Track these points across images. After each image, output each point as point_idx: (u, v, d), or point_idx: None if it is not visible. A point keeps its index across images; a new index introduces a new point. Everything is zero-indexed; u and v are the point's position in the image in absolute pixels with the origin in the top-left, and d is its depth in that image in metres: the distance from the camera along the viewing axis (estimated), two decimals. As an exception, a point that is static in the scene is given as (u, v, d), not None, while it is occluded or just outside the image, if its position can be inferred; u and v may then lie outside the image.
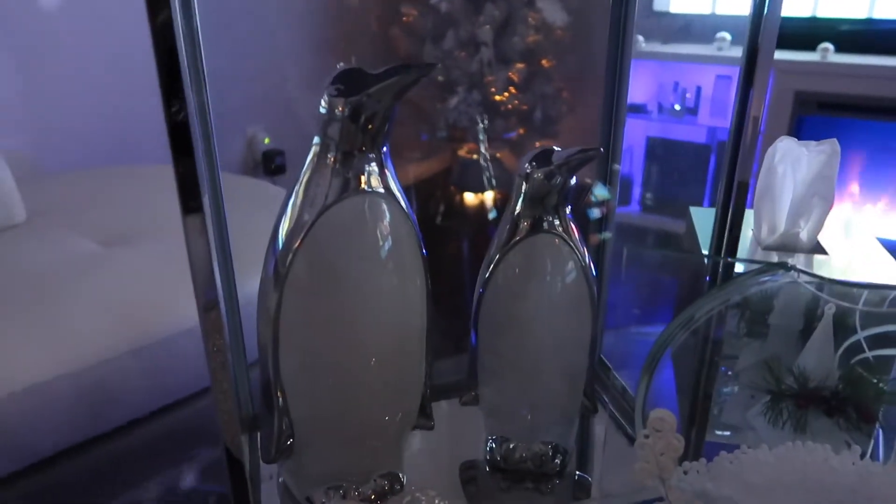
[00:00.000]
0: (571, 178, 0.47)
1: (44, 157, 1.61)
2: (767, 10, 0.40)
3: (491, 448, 0.54)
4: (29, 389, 0.82)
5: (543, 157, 0.48)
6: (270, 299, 0.44)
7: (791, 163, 0.54)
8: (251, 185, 1.46)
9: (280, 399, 0.45)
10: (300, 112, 2.16)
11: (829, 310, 0.46)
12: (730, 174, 0.44)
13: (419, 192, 2.35)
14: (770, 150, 0.55)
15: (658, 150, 2.22)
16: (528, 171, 0.48)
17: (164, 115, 0.37)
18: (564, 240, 0.48)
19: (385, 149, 0.44)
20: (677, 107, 2.22)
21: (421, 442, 0.56)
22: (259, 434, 0.51)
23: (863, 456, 0.39)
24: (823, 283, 0.43)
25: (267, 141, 2.17)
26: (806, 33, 2.02)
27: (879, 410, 0.48)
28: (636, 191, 2.30)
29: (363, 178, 0.43)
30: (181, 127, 0.37)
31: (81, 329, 0.90)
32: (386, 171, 0.44)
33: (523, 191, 0.48)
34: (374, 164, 0.43)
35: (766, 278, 0.43)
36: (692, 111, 2.21)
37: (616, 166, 0.57)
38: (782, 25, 1.91)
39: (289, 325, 0.44)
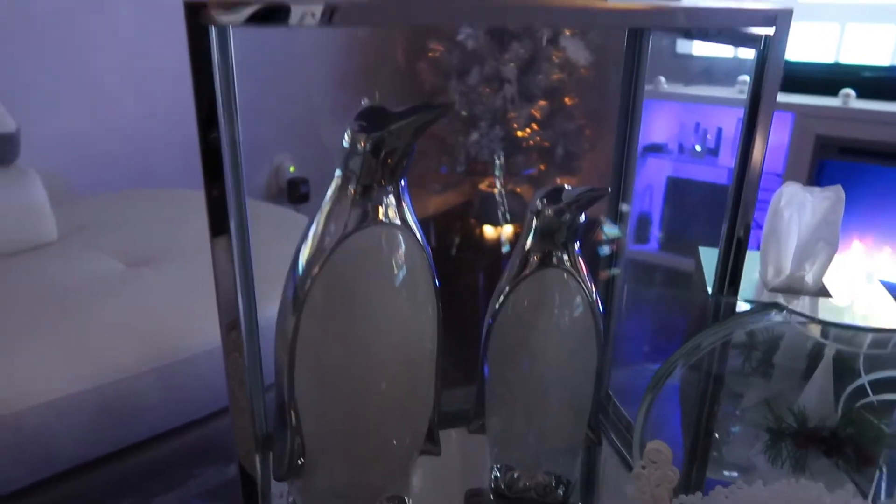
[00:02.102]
0: (580, 215, 0.49)
1: (77, 179, 1.66)
2: (769, 57, 0.41)
3: (496, 476, 0.55)
4: (52, 403, 0.85)
5: (554, 195, 0.50)
6: (288, 322, 0.46)
7: (797, 207, 0.56)
8: (275, 211, 1.50)
9: (293, 418, 0.47)
10: (326, 142, 2.21)
11: (829, 351, 0.47)
12: (732, 216, 0.46)
13: (439, 222, 2.38)
14: (776, 194, 0.57)
15: (678, 190, 2.23)
16: (538, 207, 0.50)
17: (200, 144, 0.39)
18: (573, 275, 0.50)
19: (403, 182, 0.46)
20: (698, 147, 2.23)
21: (428, 468, 0.58)
22: (272, 453, 0.53)
23: (867, 496, 0.40)
24: (813, 322, 0.44)
25: (293, 169, 2.22)
26: (828, 78, 2.03)
27: (880, 453, 0.48)
28: (655, 229, 2.31)
29: (381, 210, 0.45)
30: (214, 154, 0.40)
31: (104, 346, 0.93)
32: (403, 203, 0.46)
33: (534, 226, 0.50)
34: (392, 196, 0.46)
35: (760, 317, 0.44)
36: (713, 152, 2.22)
37: (625, 206, 0.59)
38: (805, 70, 1.96)
39: (305, 347, 0.46)
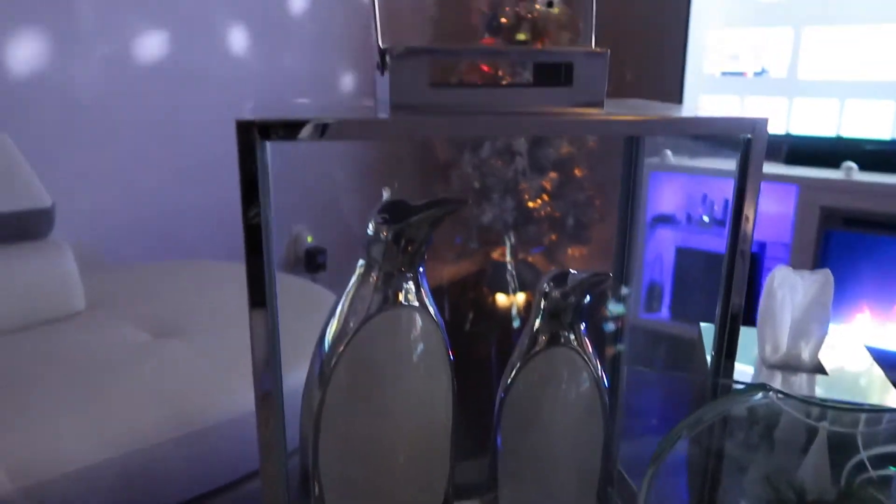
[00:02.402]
0: (585, 298, 0.53)
1: (106, 249, 1.73)
2: (751, 156, 0.46)
3: (508, 547, 0.57)
4: (79, 471, 0.88)
5: (560, 279, 0.54)
6: (314, 396, 0.50)
7: (789, 289, 0.60)
8: (294, 282, 1.55)
9: (317, 488, 0.50)
10: (344, 215, 2.28)
11: (823, 427, 0.49)
12: (725, 298, 0.49)
13: (453, 291, 2.42)
14: (770, 276, 0.60)
15: (687, 260, 2.27)
16: (546, 290, 0.54)
17: (242, 220, 0.42)
18: (579, 353, 0.54)
19: (421, 269, 0.51)
20: (706, 218, 2.28)
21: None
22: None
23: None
24: (796, 401, 0.47)
25: (310, 239, 2.28)
26: (831, 152, 2.09)
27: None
28: (666, 298, 2.33)
29: (401, 295, 0.50)
30: (255, 230, 0.43)
31: (129, 415, 0.96)
32: (421, 287, 0.51)
33: (542, 307, 0.54)
34: (411, 282, 0.50)
35: (747, 398, 0.47)
36: (720, 223, 2.27)
37: (625, 289, 0.63)
38: (808, 144, 2.03)
39: (329, 419, 0.49)
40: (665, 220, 2.30)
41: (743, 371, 0.64)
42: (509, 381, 0.55)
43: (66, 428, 0.92)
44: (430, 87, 0.45)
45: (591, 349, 0.54)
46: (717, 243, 2.28)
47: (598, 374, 0.54)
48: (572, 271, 0.55)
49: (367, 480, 0.50)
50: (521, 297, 2.38)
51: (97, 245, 1.70)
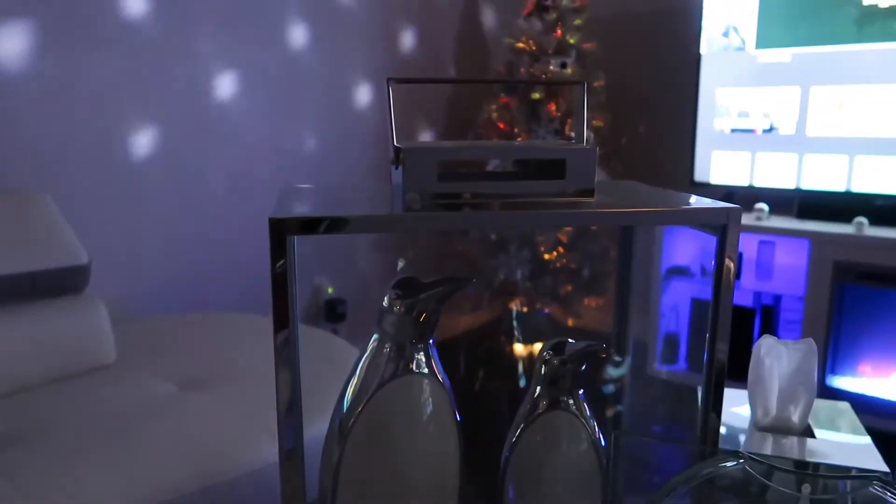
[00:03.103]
0: (581, 366, 0.58)
1: (135, 302, 1.80)
2: (727, 239, 0.51)
3: None
4: (108, 521, 0.92)
5: (558, 348, 0.58)
6: (334, 452, 0.55)
7: (775, 357, 0.63)
8: (315, 335, 1.60)
9: (335, 540, 0.55)
10: (363, 267, 2.35)
11: (805, 490, 0.53)
12: (709, 359, 0.54)
13: (471, 339, 2.45)
14: (756, 345, 0.64)
15: (702, 312, 2.29)
16: (546, 358, 0.58)
17: (271, 273, 0.47)
18: (577, 417, 0.58)
19: (431, 340, 0.56)
20: (720, 270, 2.31)
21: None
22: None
23: None
24: (765, 466, 0.51)
25: (331, 290, 2.35)
26: (842, 206, 2.13)
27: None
28: (682, 350, 2.35)
29: (413, 364, 0.55)
30: (281, 280, 0.48)
31: (156, 466, 1.01)
32: (430, 357, 0.56)
33: (542, 374, 0.59)
34: (421, 353, 0.55)
35: (719, 464, 0.51)
36: (735, 275, 2.30)
37: (617, 359, 0.67)
38: (819, 198, 2.08)
39: (347, 473, 0.54)
40: (680, 271, 2.34)
41: (738, 430, 0.67)
42: (513, 440, 0.59)
43: (94, 478, 0.97)
44: (438, 180, 0.51)
45: (588, 413, 0.58)
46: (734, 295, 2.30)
47: (595, 436, 0.58)
48: (570, 341, 0.60)
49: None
50: (533, 347, 2.42)
51: (128, 298, 1.77)
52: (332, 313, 2.33)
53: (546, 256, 2.47)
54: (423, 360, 0.55)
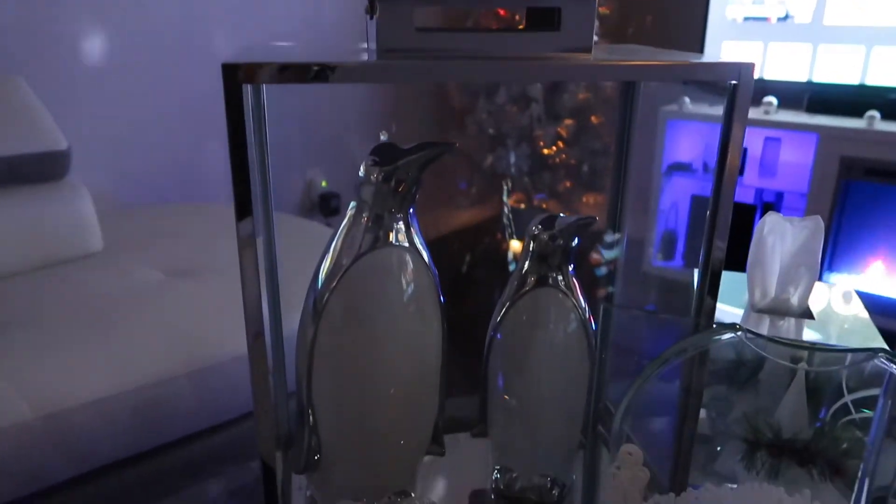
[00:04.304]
0: (572, 241, 0.54)
1: (123, 193, 1.76)
2: (737, 101, 0.46)
3: (496, 478, 0.60)
4: (95, 402, 0.92)
5: (549, 222, 0.55)
6: (308, 331, 0.52)
7: (779, 235, 0.60)
8: (304, 225, 1.57)
9: (311, 418, 0.53)
10: (356, 160, 2.29)
11: (801, 368, 0.51)
12: (708, 238, 0.50)
13: (465, 238, 2.43)
14: (759, 223, 0.61)
15: (702, 208, 2.25)
16: (535, 232, 0.55)
17: (230, 158, 0.43)
18: (566, 294, 0.55)
19: (411, 210, 0.52)
20: (723, 167, 2.25)
21: (434, 468, 0.63)
22: (292, 450, 0.59)
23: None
24: (765, 340, 0.48)
25: (324, 184, 2.30)
26: (854, 100, 2.05)
27: (851, 465, 0.52)
28: (680, 246, 2.33)
29: (391, 234, 0.51)
30: (242, 167, 0.44)
31: (142, 351, 1.00)
32: (412, 228, 0.52)
33: (531, 249, 0.55)
34: (401, 223, 0.51)
35: (715, 336, 0.49)
36: (739, 172, 2.24)
37: (614, 235, 0.64)
38: (830, 92, 2.00)
39: (322, 354, 0.52)
40: (681, 168, 2.28)
41: (733, 314, 0.65)
42: (498, 320, 0.56)
43: (83, 362, 0.96)
44: (416, 31, 0.45)
45: (578, 290, 0.55)
46: (736, 192, 2.26)
47: (584, 315, 0.55)
48: (561, 215, 0.56)
49: (358, 413, 0.53)
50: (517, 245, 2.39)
51: (114, 188, 1.72)
52: (326, 208, 2.29)
53: (545, 151, 2.41)
54: (403, 231, 0.51)
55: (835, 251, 2.08)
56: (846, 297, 0.67)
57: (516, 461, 0.59)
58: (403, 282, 0.52)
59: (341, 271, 0.51)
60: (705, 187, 2.29)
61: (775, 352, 0.57)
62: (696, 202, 2.28)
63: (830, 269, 2.09)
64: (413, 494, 0.56)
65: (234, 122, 0.41)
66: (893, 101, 2.00)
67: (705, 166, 2.28)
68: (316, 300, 0.52)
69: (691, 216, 2.30)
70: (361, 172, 0.51)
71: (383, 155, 0.51)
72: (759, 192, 2.26)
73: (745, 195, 2.23)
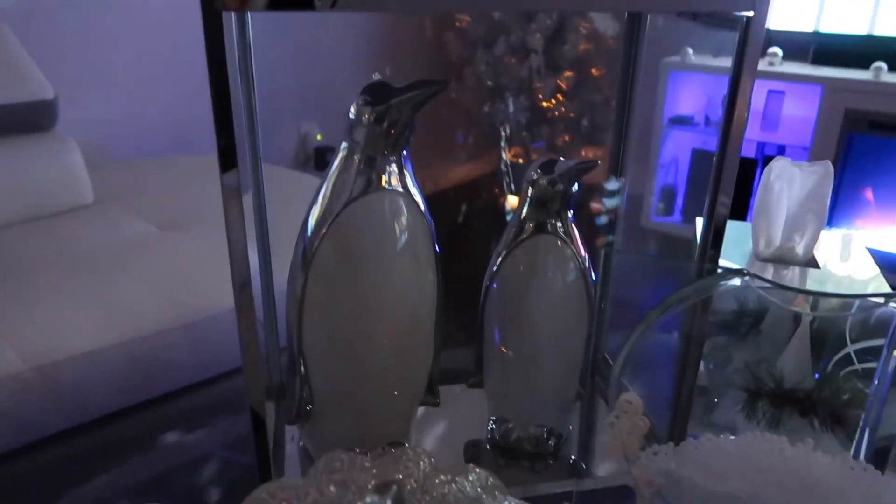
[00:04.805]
0: (572, 186, 0.52)
1: (115, 146, 1.72)
2: (749, 38, 0.44)
3: (492, 428, 0.59)
4: (87, 354, 0.91)
5: (548, 167, 0.52)
6: (298, 279, 0.50)
7: (787, 181, 0.58)
8: (298, 178, 1.54)
9: (302, 368, 0.52)
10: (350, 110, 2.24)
11: (807, 318, 0.49)
12: (714, 187, 0.48)
13: (463, 191, 2.40)
14: (767, 169, 0.59)
15: (703, 163, 2.22)
16: (534, 178, 0.52)
17: (211, 97, 0.41)
18: (565, 242, 0.53)
19: (405, 153, 0.49)
20: (725, 120, 2.22)
21: (431, 421, 0.62)
22: (284, 400, 0.58)
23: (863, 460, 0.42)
24: (770, 287, 0.47)
25: (319, 137, 2.26)
26: (861, 51, 2.00)
27: (854, 415, 0.51)
28: (679, 201, 2.31)
29: (384, 178, 0.49)
30: (223, 105, 0.41)
31: (135, 303, 0.98)
32: (405, 172, 0.50)
33: (529, 195, 0.53)
34: (394, 165, 0.49)
35: (720, 282, 0.47)
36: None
37: (617, 182, 0.61)
38: (836, 42, 1.95)
39: (312, 302, 0.50)
40: (683, 121, 2.24)
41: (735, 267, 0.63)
42: (495, 268, 0.55)
43: (75, 314, 0.95)
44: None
45: (578, 238, 0.53)
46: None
47: (583, 262, 0.53)
48: (561, 159, 0.53)
49: (349, 362, 0.51)
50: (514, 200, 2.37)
51: (105, 141, 1.69)
52: (321, 162, 2.26)
53: (544, 105, 2.36)
54: (397, 174, 0.49)
55: (836, 205, 2.06)
56: (853, 247, 0.65)
57: (512, 412, 0.58)
58: (396, 227, 0.50)
59: (332, 217, 0.49)
60: (707, 141, 2.25)
61: (782, 298, 0.55)
62: (697, 156, 2.24)
63: (832, 224, 2.07)
64: (407, 445, 0.55)
65: (213, 53, 0.38)
66: (901, 51, 1.95)
67: (707, 119, 2.24)
68: (305, 248, 0.50)
69: (692, 170, 2.27)
70: (352, 113, 0.49)
71: (375, 94, 0.48)
72: (761, 145, 2.23)
73: (746, 149, 2.20)
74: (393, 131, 0.48)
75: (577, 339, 0.55)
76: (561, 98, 2.33)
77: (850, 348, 0.55)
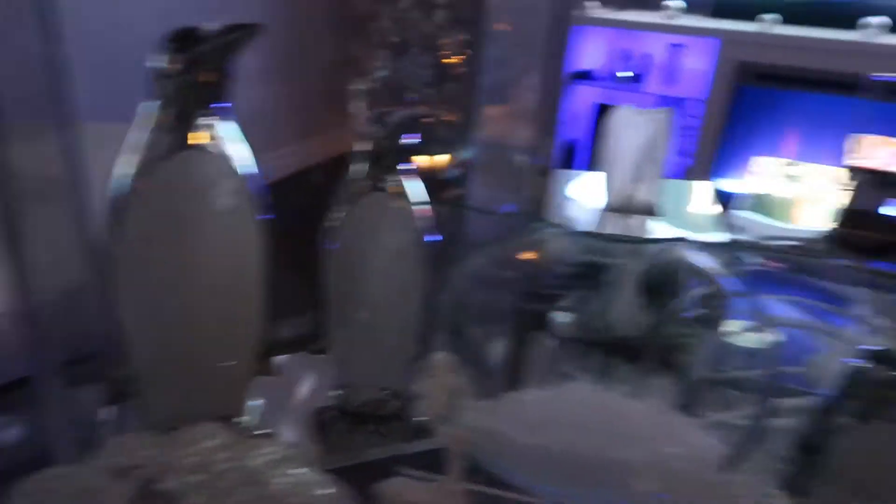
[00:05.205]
0: (399, 138, 0.50)
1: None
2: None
3: (338, 394, 0.58)
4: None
5: (381, 118, 0.50)
6: (107, 244, 0.47)
7: (633, 130, 0.58)
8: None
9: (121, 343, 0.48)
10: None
11: (635, 267, 0.49)
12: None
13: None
14: (609, 118, 0.58)
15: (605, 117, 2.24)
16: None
17: None
18: (397, 197, 0.51)
19: (227, 105, 0.46)
20: (628, 74, 2.24)
21: (271, 391, 0.59)
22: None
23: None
24: (580, 236, 0.47)
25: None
26: (754, 3, 2.04)
27: (681, 361, 0.52)
28: (582, 154, 2.33)
29: (198, 135, 0.45)
30: None
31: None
32: (221, 127, 0.46)
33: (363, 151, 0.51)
34: (210, 120, 0.45)
35: (539, 229, 0.47)
36: (637, 79, 2.24)
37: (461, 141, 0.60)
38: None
39: (125, 270, 0.47)
40: (584, 76, 2.25)
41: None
42: (328, 228, 0.53)
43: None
44: None
45: (410, 192, 0.52)
46: (638, 99, 2.26)
47: (414, 219, 0.52)
48: (396, 110, 0.51)
49: (166, 333, 0.48)
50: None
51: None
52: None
53: (447, 61, 2.33)
54: (212, 131, 0.46)
55: (725, 155, 2.12)
56: (702, 194, 0.66)
57: (355, 376, 0.57)
58: (211, 190, 0.47)
59: (137, 179, 0.45)
60: (610, 95, 2.27)
61: (622, 250, 0.56)
62: (599, 110, 2.27)
63: (721, 174, 2.13)
64: (240, 421, 0.53)
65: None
66: (792, 4, 2.00)
67: (610, 74, 2.26)
68: (113, 213, 0.46)
69: (595, 126, 2.29)
70: (159, 63, 0.45)
71: (184, 41, 0.45)
72: (663, 99, 2.26)
73: (645, 103, 2.23)
74: (207, 82, 0.45)
75: (413, 297, 0.54)
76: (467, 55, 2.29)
77: (680, 299, 0.56)
